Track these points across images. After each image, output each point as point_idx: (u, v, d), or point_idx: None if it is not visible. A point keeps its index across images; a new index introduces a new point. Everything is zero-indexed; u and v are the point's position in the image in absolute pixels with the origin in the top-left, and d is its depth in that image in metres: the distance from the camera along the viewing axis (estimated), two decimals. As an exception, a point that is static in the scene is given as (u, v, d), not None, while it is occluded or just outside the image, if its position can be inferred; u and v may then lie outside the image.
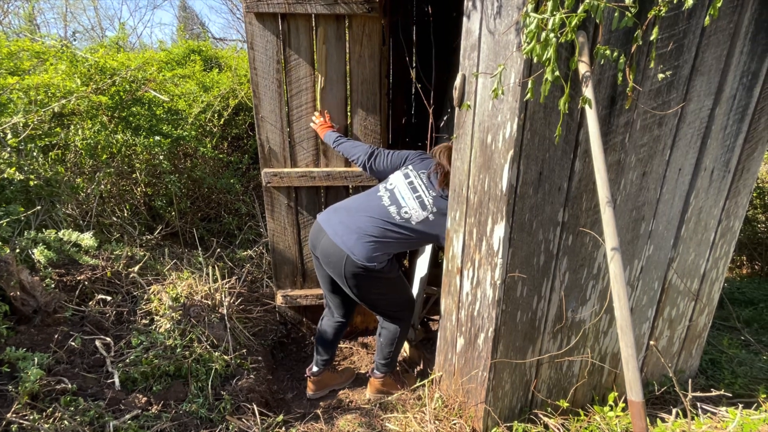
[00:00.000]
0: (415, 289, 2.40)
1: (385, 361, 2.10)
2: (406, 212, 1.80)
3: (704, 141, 1.57)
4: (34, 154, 2.28)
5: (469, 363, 1.68)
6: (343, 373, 2.31)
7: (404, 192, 1.83)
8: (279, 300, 2.50)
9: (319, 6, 1.88)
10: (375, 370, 2.14)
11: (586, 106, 1.16)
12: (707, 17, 1.10)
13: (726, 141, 1.62)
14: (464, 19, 1.36)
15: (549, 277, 1.52)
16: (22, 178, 2.03)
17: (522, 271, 1.45)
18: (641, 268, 1.70)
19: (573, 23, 1.03)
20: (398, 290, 1.98)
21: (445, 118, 2.46)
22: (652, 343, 1.87)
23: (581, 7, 1.03)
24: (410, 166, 1.91)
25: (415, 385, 2.07)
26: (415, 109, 3.05)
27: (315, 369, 2.17)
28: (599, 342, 1.76)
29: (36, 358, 1.53)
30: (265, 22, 1.91)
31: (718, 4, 1.02)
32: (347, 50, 1.99)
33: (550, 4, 1.03)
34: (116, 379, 1.65)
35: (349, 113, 2.19)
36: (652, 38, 1.15)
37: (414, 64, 2.88)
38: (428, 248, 2.33)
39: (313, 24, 1.93)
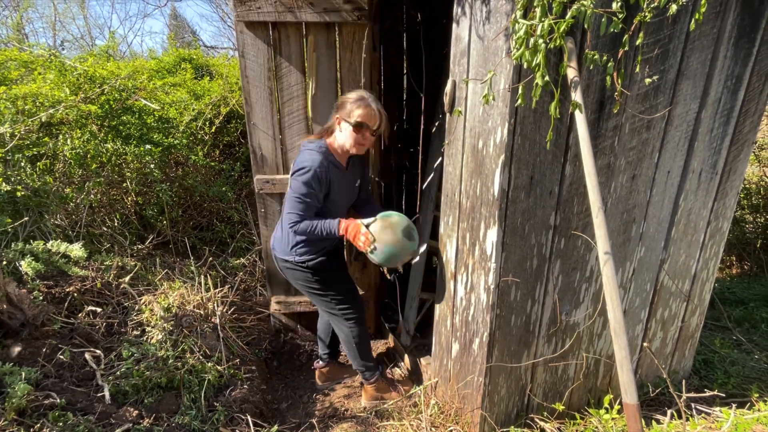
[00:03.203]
0: (411, 290, 2.39)
1: (359, 365, 2.08)
2: None
3: (691, 144, 1.59)
4: (22, 164, 2.25)
5: (465, 368, 1.68)
6: (348, 367, 2.36)
7: None
8: (273, 307, 2.49)
9: (309, 14, 1.89)
10: (361, 377, 2.13)
11: (576, 111, 1.17)
12: (692, 22, 1.12)
13: (713, 143, 1.64)
14: (453, 25, 1.37)
15: (542, 280, 1.52)
16: (9, 188, 2.00)
17: (515, 275, 1.45)
18: (633, 270, 1.71)
19: (561, 29, 1.05)
20: (335, 287, 1.91)
21: (436, 124, 2.46)
22: (645, 344, 1.88)
23: (569, 13, 1.04)
24: None
25: (411, 392, 2.06)
26: (406, 116, 3.07)
27: (320, 362, 2.29)
28: (593, 344, 1.77)
29: (23, 373, 1.50)
30: (256, 31, 1.92)
31: (703, 9, 1.04)
32: (338, 57, 2.01)
33: (538, 11, 1.04)
34: (106, 393, 1.62)
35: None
36: (638, 43, 1.17)
37: (405, 71, 2.89)
38: (422, 250, 2.33)
39: (304, 32, 1.95)
